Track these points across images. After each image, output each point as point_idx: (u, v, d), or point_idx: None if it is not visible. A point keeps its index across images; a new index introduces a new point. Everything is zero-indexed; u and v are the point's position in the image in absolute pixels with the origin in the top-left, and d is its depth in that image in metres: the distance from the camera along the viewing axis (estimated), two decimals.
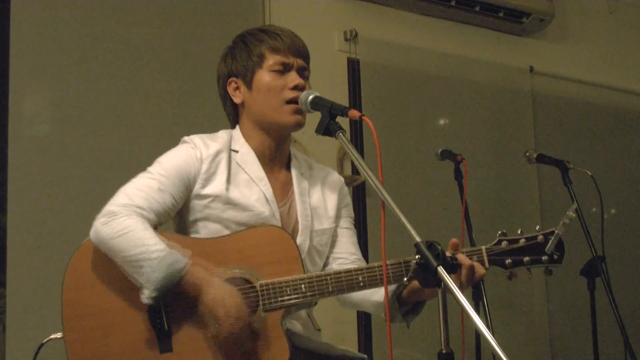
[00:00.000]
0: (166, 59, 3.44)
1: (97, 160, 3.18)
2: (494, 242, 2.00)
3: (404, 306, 2.01)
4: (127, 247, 1.85)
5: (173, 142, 2.11)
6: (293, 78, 2.05)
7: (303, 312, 2.08)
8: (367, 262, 2.15)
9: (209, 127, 2.17)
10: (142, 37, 3.39)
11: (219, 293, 1.85)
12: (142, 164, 2.05)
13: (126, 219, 1.89)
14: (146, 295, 1.83)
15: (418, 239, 1.61)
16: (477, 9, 4.36)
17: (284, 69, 2.06)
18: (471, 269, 1.87)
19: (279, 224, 2.03)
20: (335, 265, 2.15)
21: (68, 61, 3.20)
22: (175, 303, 1.89)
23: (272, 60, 2.06)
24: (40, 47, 3.15)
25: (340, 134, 1.88)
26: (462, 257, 1.88)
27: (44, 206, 3.06)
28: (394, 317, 2.01)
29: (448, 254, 1.64)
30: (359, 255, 2.21)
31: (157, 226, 1.95)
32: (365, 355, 2.14)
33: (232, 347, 1.87)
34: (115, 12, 3.34)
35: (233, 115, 2.17)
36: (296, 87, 2.04)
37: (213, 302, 1.84)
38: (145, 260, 1.83)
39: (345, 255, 2.18)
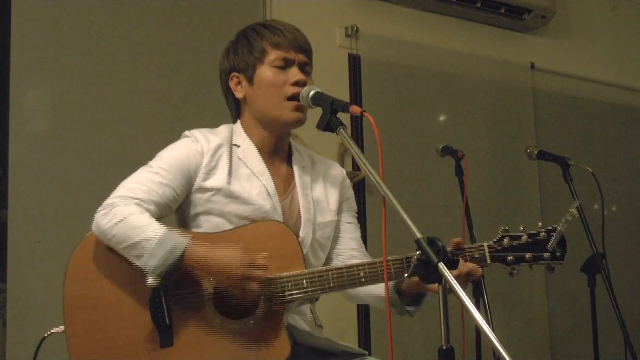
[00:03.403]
0: (167, 56, 3.44)
1: (97, 156, 3.18)
2: (496, 239, 1.99)
3: (406, 298, 2.00)
4: (126, 233, 1.86)
5: (174, 138, 2.11)
6: (294, 73, 2.05)
7: (305, 308, 2.08)
8: None
9: (210, 123, 2.17)
10: (142, 34, 3.39)
11: (225, 254, 1.86)
12: (142, 160, 2.05)
13: (124, 207, 1.90)
14: (150, 281, 1.83)
15: (419, 235, 1.61)
16: (478, 5, 4.36)
17: (286, 64, 2.05)
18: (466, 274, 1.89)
19: (281, 218, 2.03)
20: (338, 262, 2.15)
21: (69, 57, 3.20)
22: (178, 291, 1.90)
23: (273, 55, 2.05)
24: (41, 42, 3.15)
25: (341, 129, 1.88)
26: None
27: (45, 201, 3.06)
28: (399, 309, 2.00)
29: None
30: (362, 250, 2.21)
31: (158, 219, 1.95)
32: (367, 352, 2.14)
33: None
34: (116, 8, 3.34)
35: (235, 110, 2.17)
36: (297, 83, 2.03)
37: (219, 263, 1.85)
38: (144, 241, 1.84)
39: (347, 251, 2.18)
